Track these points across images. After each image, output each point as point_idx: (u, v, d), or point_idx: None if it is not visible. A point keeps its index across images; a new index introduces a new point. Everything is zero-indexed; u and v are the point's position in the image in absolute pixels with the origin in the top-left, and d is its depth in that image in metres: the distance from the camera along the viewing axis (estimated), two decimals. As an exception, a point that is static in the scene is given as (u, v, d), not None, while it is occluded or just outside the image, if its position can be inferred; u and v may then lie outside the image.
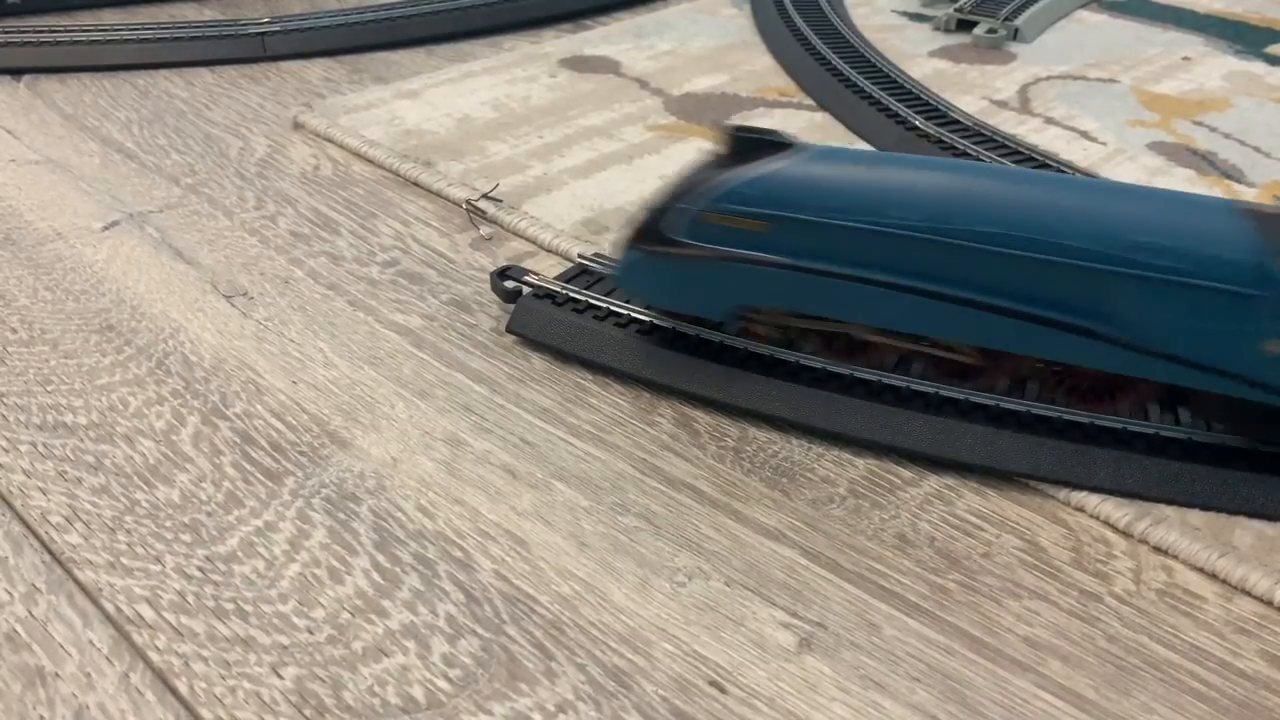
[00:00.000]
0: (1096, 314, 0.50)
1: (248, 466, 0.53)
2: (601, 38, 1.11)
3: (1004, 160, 0.80)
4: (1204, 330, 0.48)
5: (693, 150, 0.85)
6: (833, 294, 0.54)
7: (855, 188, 0.53)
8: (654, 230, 0.56)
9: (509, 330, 0.62)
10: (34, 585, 0.46)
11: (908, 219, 0.51)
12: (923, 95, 0.92)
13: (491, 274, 0.64)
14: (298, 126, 0.89)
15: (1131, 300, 0.49)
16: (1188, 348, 0.49)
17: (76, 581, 0.46)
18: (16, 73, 0.99)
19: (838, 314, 0.55)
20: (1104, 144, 0.87)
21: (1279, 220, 0.49)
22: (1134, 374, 0.51)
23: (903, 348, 0.56)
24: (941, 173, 0.55)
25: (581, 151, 0.85)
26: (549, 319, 0.61)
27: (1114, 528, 0.50)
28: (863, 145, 0.87)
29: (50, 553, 0.48)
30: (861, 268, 0.52)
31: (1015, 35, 1.10)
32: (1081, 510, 0.51)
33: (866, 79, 0.94)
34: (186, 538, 0.48)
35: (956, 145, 0.82)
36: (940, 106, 0.90)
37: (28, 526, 0.49)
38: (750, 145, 0.56)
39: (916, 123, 0.86)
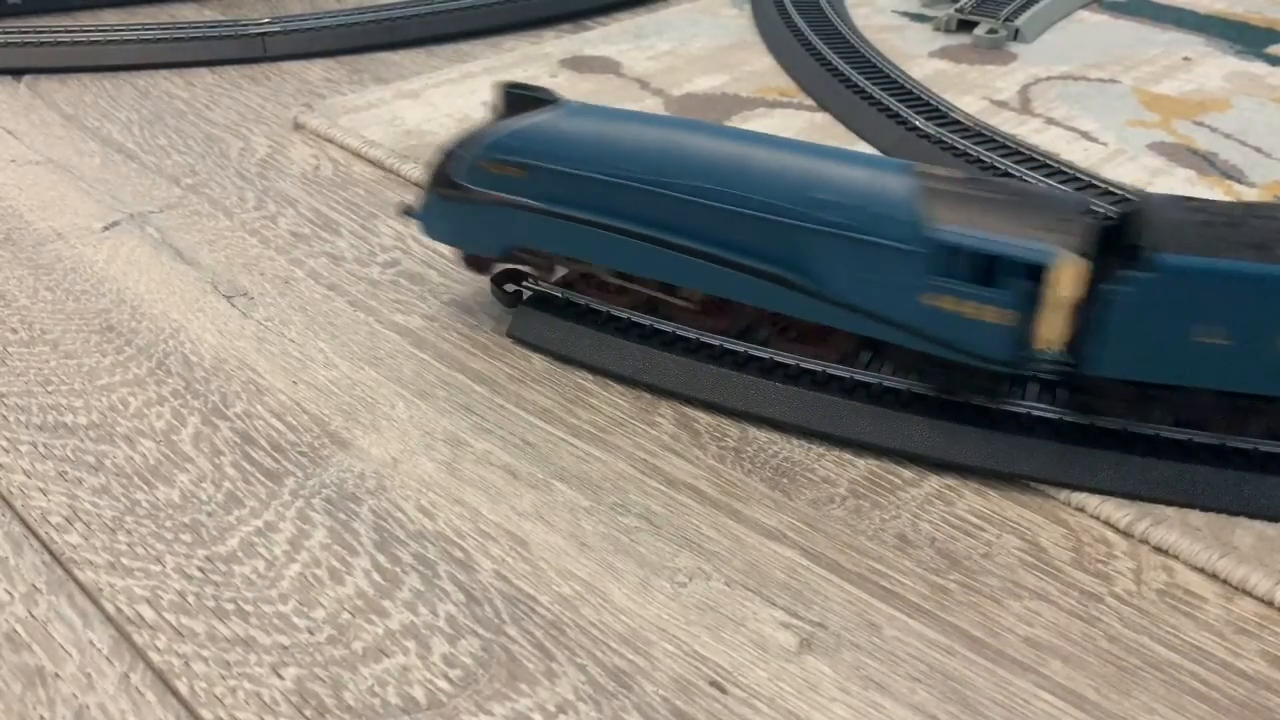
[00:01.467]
0: (790, 265, 0.54)
1: (248, 467, 0.53)
2: (602, 38, 1.11)
3: (1005, 161, 0.80)
4: (874, 282, 0.52)
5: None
6: (577, 237, 0.59)
7: (598, 141, 0.58)
8: (444, 175, 0.61)
9: (510, 336, 0.62)
10: (34, 585, 0.46)
11: (635, 171, 0.56)
12: (923, 95, 0.92)
13: (492, 278, 0.64)
14: (298, 127, 0.89)
15: (816, 253, 0.53)
16: (862, 298, 0.53)
17: (77, 582, 0.46)
18: (17, 73, 0.99)
19: (584, 256, 0.60)
20: (1104, 144, 0.87)
21: (943, 181, 0.53)
22: (826, 323, 0.55)
23: (646, 293, 0.60)
24: (678, 130, 0.59)
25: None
26: (549, 324, 0.61)
27: (1114, 528, 0.50)
28: (863, 146, 0.87)
29: (50, 553, 0.48)
30: (598, 214, 0.58)
31: (1016, 35, 1.10)
32: (1082, 511, 0.51)
33: (867, 79, 0.94)
34: (187, 538, 0.48)
35: (957, 146, 0.82)
36: (941, 107, 0.90)
37: (28, 527, 0.49)
38: (521, 101, 0.61)
39: (917, 123, 0.86)
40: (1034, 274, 0.49)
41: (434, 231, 0.64)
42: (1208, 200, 0.53)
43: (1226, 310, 0.48)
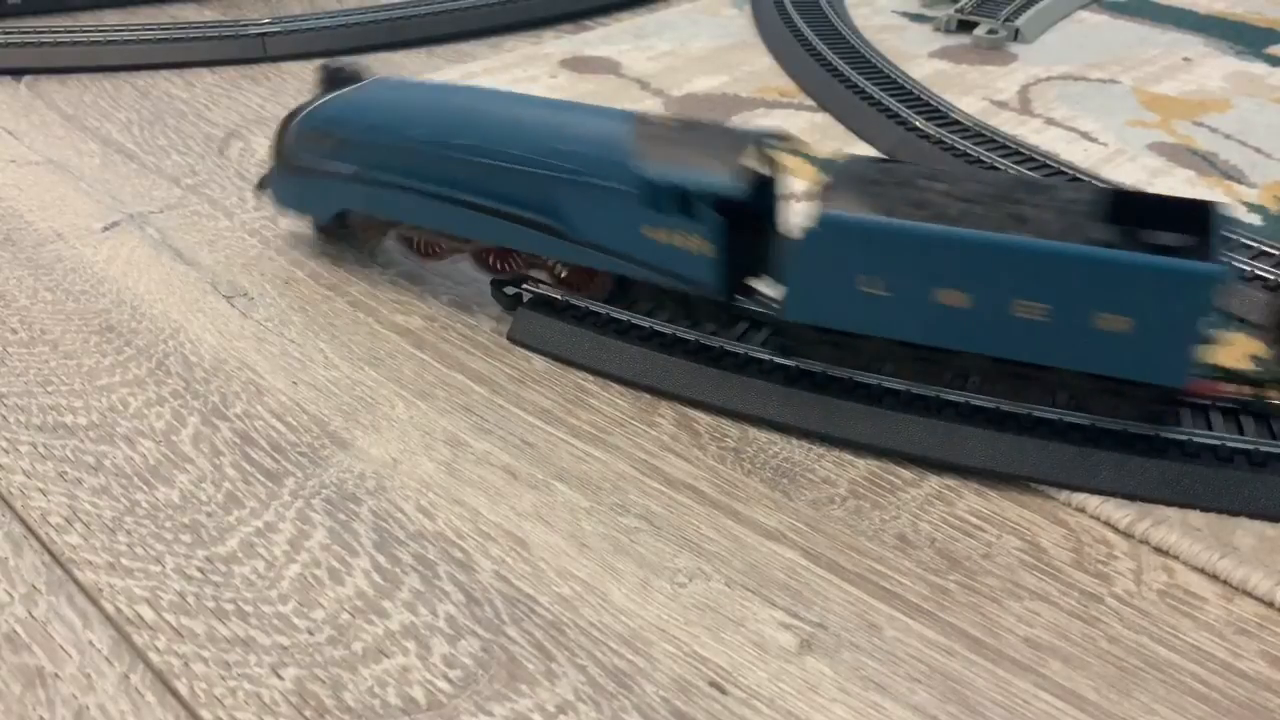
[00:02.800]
0: (546, 211, 0.59)
1: (248, 467, 0.53)
2: (601, 38, 1.11)
3: (1005, 161, 0.80)
4: (608, 221, 0.57)
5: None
6: (384, 199, 0.64)
7: (393, 110, 0.64)
8: (279, 148, 0.67)
9: (510, 339, 0.62)
10: (34, 586, 0.46)
11: (423, 135, 0.61)
12: (923, 96, 0.92)
13: (492, 280, 0.64)
14: (298, 127, 0.89)
15: (562, 198, 0.58)
16: (602, 237, 0.58)
17: (76, 582, 0.46)
18: (17, 73, 0.99)
19: (394, 217, 0.65)
20: (1104, 144, 0.87)
21: (658, 126, 0.58)
22: (582, 263, 0.60)
23: (454, 246, 0.66)
24: (465, 97, 0.66)
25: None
26: (549, 326, 0.61)
27: (1115, 528, 0.50)
28: (863, 146, 0.87)
29: (50, 553, 0.48)
30: (398, 176, 0.63)
31: (1016, 36, 1.10)
32: (1082, 511, 0.51)
33: (867, 79, 0.94)
34: (186, 538, 0.48)
35: (957, 146, 0.82)
36: (941, 107, 0.90)
37: (28, 527, 0.49)
38: (336, 78, 0.68)
39: (917, 123, 0.86)
40: (723, 206, 0.53)
41: (280, 201, 0.70)
42: (898, 163, 0.57)
43: (882, 263, 0.52)
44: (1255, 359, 0.59)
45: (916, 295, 0.52)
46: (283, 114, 0.68)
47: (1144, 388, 0.51)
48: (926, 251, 0.50)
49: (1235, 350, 0.59)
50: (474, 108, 0.63)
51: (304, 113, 0.66)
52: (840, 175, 0.55)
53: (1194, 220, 0.50)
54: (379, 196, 0.64)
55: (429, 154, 0.61)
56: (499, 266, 0.65)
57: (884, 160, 0.58)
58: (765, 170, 0.56)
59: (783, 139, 0.57)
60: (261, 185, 0.71)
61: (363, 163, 0.64)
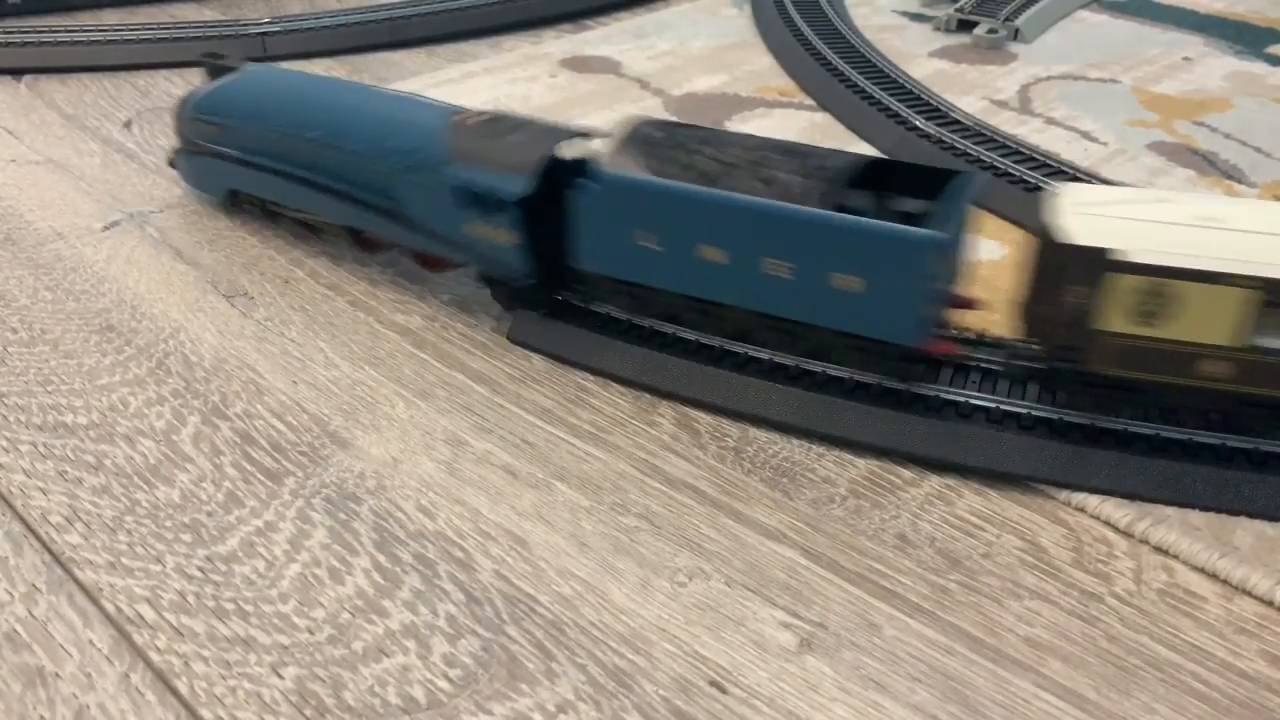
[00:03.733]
0: (390, 199, 0.63)
1: (248, 466, 0.53)
2: (601, 38, 1.11)
3: (1005, 161, 0.80)
4: (435, 213, 0.61)
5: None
6: (260, 181, 0.69)
7: (260, 99, 0.69)
8: (179, 130, 0.74)
9: (510, 339, 0.62)
10: (34, 585, 0.46)
11: (281, 124, 0.67)
12: (923, 95, 0.92)
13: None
14: (298, 126, 0.89)
15: (402, 190, 0.62)
16: (441, 227, 0.61)
17: (77, 581, 0.46)
18: (17, 73, 0.99)
19: (268, 197, 0.70)
20: (1104, 144, 0.87)
21: (468, 125, 0.61)
22: (428, 251, 0.65)
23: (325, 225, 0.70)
24: (325, 89, 0.72)
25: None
26: (549, 326, 0.61)
27: (1115, 528, 0.50)
28: (864, 146, 0.87)
29: (50, 553, 0.48)
30: (266, 159, 0.68)
31: (1016, 35, 1.10)
32: (1082, 511, 0.51)
33: (867, 79, 0.94)
34: (187, 538, 0.48)
35: (957, 146, 0.82)
36: (941, 107, 0.90)
37: (28, 526, 0.49)
38: (218, 68, 0.74)
39: (917, 123, 0.86)
40: (523, 200, 0.57)
41: (185, 179, 0.76)
42: (680, 126, 0.61)
43: (652, 219, 0.55)
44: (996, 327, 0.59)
45: (683, 250, 0.55)
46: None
47: (885, 345, 0.54)
48: (687, 210, 0.54)
49: (984, 316, 0.58)
50: (327, 100, 0.68)
51: (192, 99, 0.72)
52: (627, 137, 0.58)
53: (941, 187, 0.53)
54: (256, 179, 0.69)
55: (289, 142, 0.66)
56: (370, 247, 0.69)
57: (670, 122, 0.61)
58: (570, 158, 0.59)
59: (590, 135, 0.60)
60: (171, 163, 0.76)
61: (239, 147, 0.69)
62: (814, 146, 0.57)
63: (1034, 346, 0.54)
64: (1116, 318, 0.49)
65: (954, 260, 0.54)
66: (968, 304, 0.56)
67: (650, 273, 0.57)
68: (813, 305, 0.54)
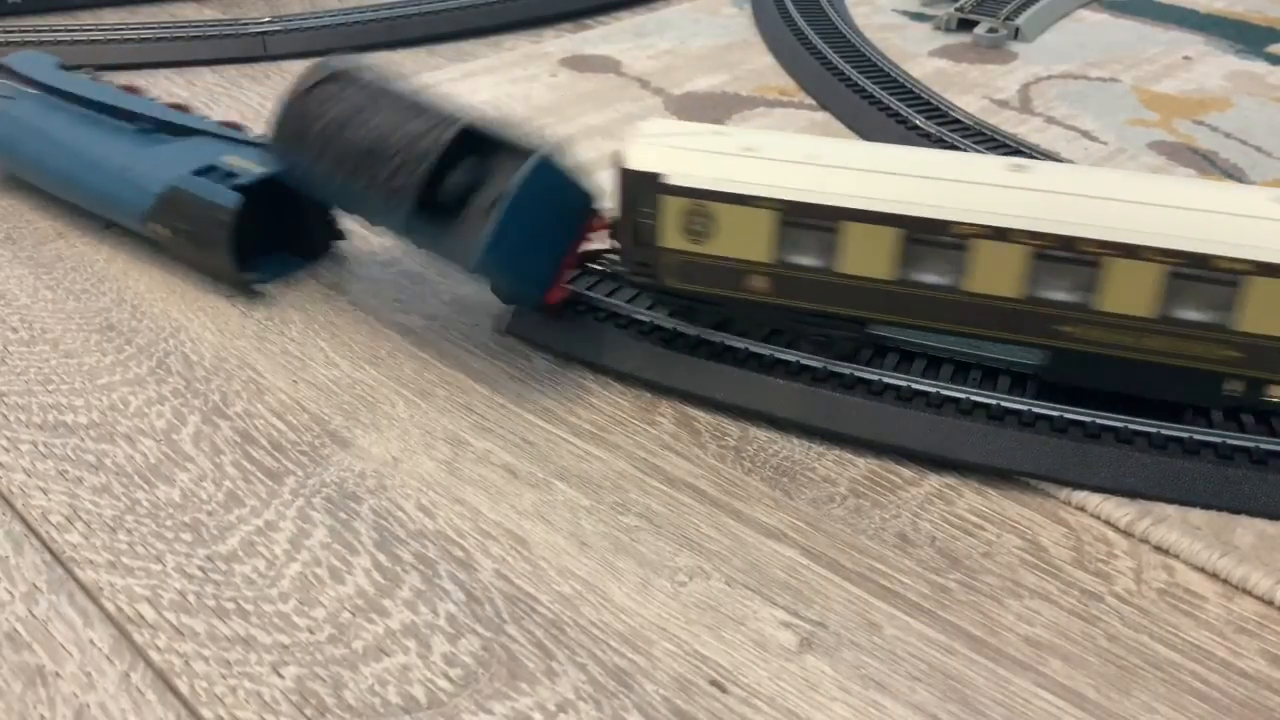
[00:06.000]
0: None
1: (248, 466, 0.53)
2: (602, 37, 1.11)
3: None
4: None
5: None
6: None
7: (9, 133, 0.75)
8: None
9: (508, 331, 0.62)
10: (34, 585, 0.46)
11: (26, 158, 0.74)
12: (923, 94, 0.92)
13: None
14: (298, 126, 0.89)
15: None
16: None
17: (77, 581, 0.46)
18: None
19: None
20: (1105, 143, 0.87)
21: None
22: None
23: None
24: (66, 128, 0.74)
25: (582, 151, 0.84)
26: (548, 321, 0.61)
27: (1115, 527, 0.50)
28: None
29: (51, 552, 0.48)
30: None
31: (1016, 34, 1.10)
32: (1082, 510, 0.51)
33: (867, 78, 0.94)
34: (187, 537, 0.48)
35: (958, 144, 0.82)
36: (941, 106, 0.90)
37: (28, 526, 0.49)
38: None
39: (917, 122, 0.86)
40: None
41: None
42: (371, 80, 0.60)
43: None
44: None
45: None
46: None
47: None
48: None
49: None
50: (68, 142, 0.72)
51: None
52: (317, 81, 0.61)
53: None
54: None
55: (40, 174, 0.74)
56: None
57: (365, 73, 0.62)
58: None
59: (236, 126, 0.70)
60: None
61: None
62: (444, 108, 0.58)
63: (621, 266, 0.58)
64: (673, 236, 0.54)
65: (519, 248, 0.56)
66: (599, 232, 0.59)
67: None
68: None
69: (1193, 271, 0.47)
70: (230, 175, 0.64)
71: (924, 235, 0.50)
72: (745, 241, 0.53)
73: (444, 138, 0.55)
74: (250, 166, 0.65)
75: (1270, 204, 0.48)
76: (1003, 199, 0.49)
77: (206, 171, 0.65)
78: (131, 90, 0.80)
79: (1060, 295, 0.49)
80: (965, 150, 0.81)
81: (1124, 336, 0.49)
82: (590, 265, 0.63)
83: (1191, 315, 0.48)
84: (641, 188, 0.53)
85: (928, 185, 0.50)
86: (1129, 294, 0.48)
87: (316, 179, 0.60)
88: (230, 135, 0.71)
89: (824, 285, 0.53)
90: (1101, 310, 0.49)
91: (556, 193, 0.56)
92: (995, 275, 0.50)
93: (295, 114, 0.60)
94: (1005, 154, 0.81)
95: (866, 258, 0.51)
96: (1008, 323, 0.51)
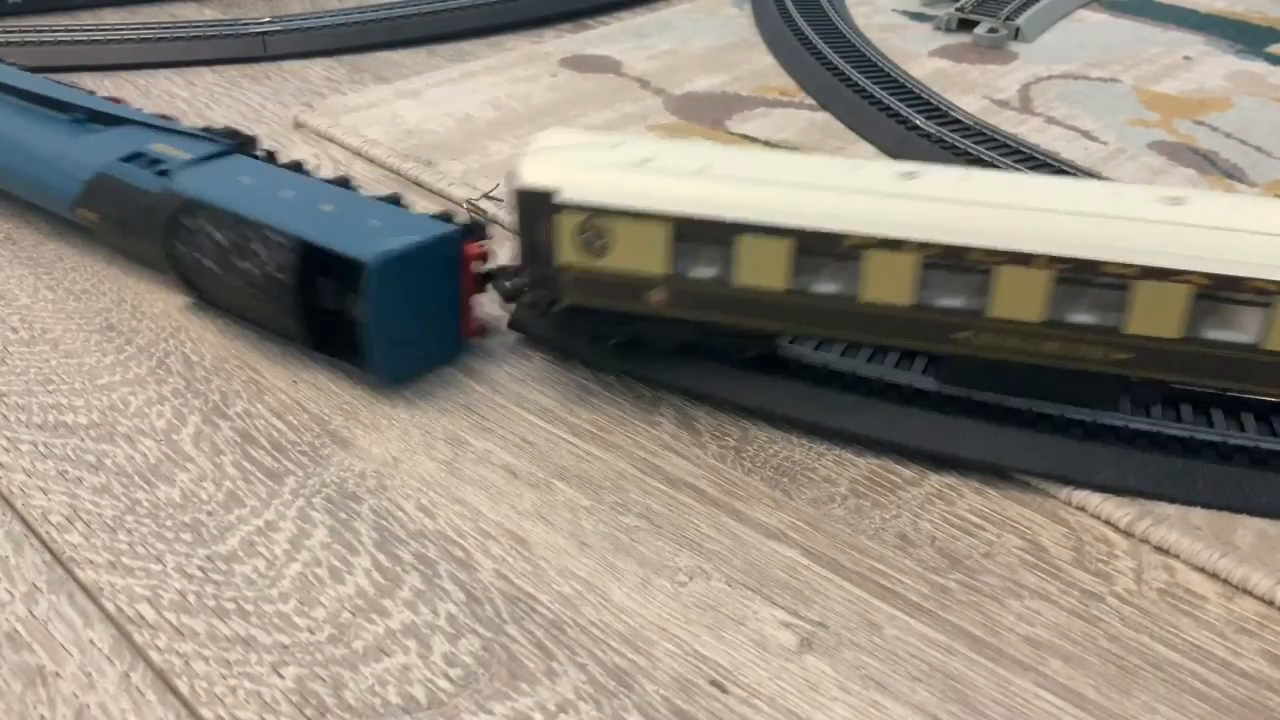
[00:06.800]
0: None
1: (248, 466, 0.53)
2: (602, 37, 1.11)
3: (1005, 160, 0.80)
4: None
5: (693, 150, 0.85)
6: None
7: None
8: None
9: (510, 327, 0.62)
10: (34, 585, 0.46)
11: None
12: (924, 95, 0.92)
13: (493, 273, 0.64)
14: (299, 126, 0.89)
15: None
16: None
17: (77, 581, 0.46)
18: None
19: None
20: (1105, 143, 0.87)
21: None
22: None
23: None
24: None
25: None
26: (551, 317, 0.61)
27: (1115, 527, 0.50)
28: (864, 145, 0.87)
29: (51, 552, 0.48)
30: None
31: (1016, 35, 1.10)
32: (1083, 510, 0.51)
33: (867, 78, 0.94)
34: (187, 537, 0.48)
35: (958, 145, 0.82)
36: (941, 106, 0.90)
37: (28, 526, 0.49)
38: None
39: (918, 122, 0.86)
40: None
41: None
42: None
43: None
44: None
45: None
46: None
47: None
48: None
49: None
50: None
51: None
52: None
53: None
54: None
55: None
56: None
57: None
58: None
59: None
60: None
61: None
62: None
63: (525, 282, 0.57)
64: (570, 252, 0.52)
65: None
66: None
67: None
68: None
69: (1081, 276, 0.47)
70: (156, 162, 0.65)
71: (815, 246, 0.49)
72: (642, 255, 0.51)
73: (283, 277, 0.56)
74: (179, 154, 0.65)
75: (1159, 205, 0.47)
76: (892, 208, 0.49)
77: (133, 158, 0.66)
78: (72, 84, 0.80)
79: (952, 302, 0.49)
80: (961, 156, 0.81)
81: (1017, 342, 0.49)
82: (490, 284, 0.61)
83: (1082, 319, 0.48)
84: (536, 205, 0.52)
85: (819, 196, 0.49)
86: (1019, 300, 0.48)
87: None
88: (161, 125, 0.71)
89: (721, 297, 0.52)
90: (994, 317, 0.49)
91: (412, 268, 0.55)
92: (888, 285, 0.49)
93: (176, 267, 0.62)
94: (1004, 154, 0.81)
95: (761, 270, 0.50)
96: (904, 330, 0.50)
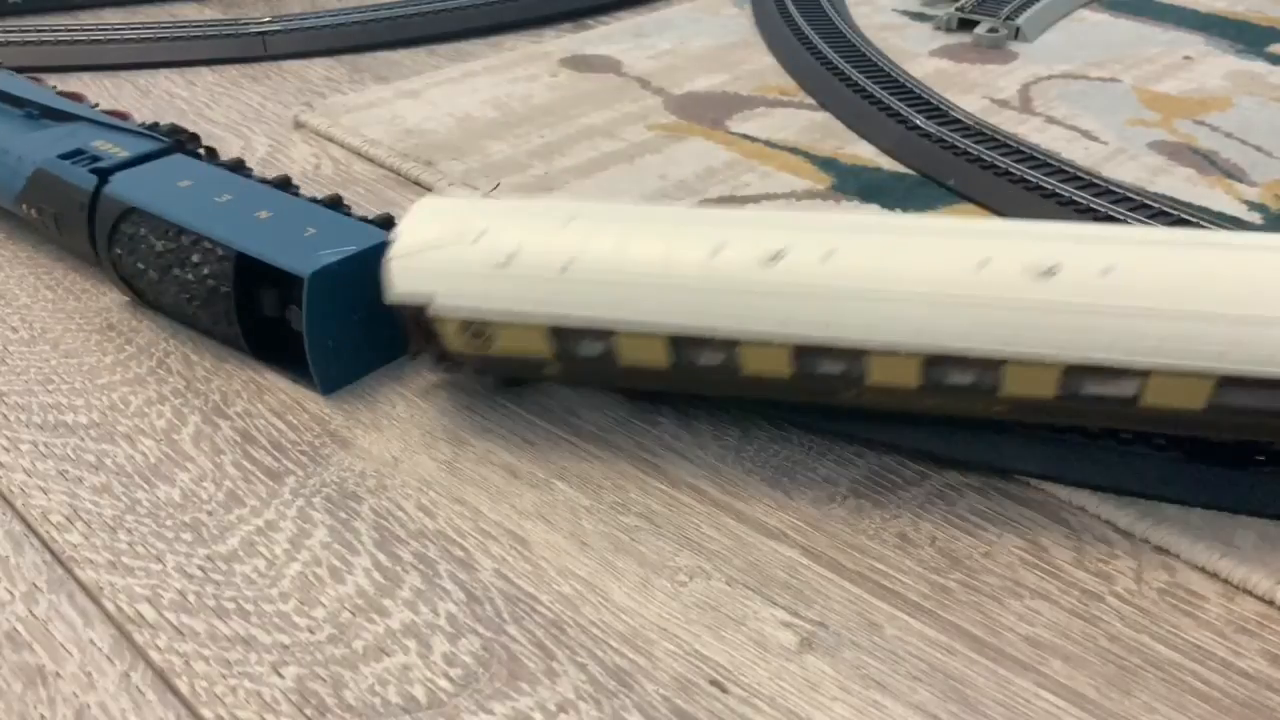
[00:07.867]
0: None
1: (248, 465, 0.53)
2: (602, 37, 1.11)
3: (1005, 160, 0.80)
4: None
5: (693, 149, 0.85)
6: None
7: None
8: None
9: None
10: (35, 584, 0.46)
11: None
12: (924, 94, 0.92)
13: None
14: (299, 126, 0.89)
15: None
16: None
17: (77, 581, 0.46)
18: (18, 72, 0.99)
19: None
20: (1105, 143, 0.87)
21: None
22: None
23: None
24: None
25: (583, 151, 0.85)
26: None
27: (1115, 527, 0.50)
28: (864, 145, 0.86)
29: (51, 552, 0.48)
30: None
31: (1017, 34, 1.10)
32: (1083, 510, 0.51)
33: (867, 78, 0.94)
34: (187, 537, 0.48)
35: (958, 145, 0.82)
36: (941, 106, 0.90)
37: (28, 526, 0.49)
38: None
39: (918, 122, 0.86)
40: None
41: None
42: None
43: None
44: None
45: None
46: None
47: None
48: None
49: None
50: None
51: None
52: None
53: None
54: None
55: None
56: None
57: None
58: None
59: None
60: None
61: None
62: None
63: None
64: (459, 342, 0.53)
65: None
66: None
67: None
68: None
69: (949, 360, 0.47)
70: (95, 159, 0.65)
71: (688, 338, 0.49)
72: (526, 344, 0.52)
73: (220, 285, 0.56)
74: (117, 151, 0.65)
75: (1029, 281, 0.45)
76: (756, 305, 0.48)
77: (72, 155, 0.66)
78: (35, 80, 0.80)
79: (832, 369, 0.49)
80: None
81: (899, 400, 0.49)
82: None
83: (958, 381, 0.47)
84: (416, 311, 0.52)
85: (684, 295, 0.49)
86: (894, 373, 0.48)
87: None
88: (110, 123, 0.71)
89: (611, 371, 0.52)
90: (871, 385, 0.48)
91: (349, 278, 0.55)
92: (765, 363, 0.49)
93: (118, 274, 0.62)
94: (1004, 154, 0.81)
95: (642, 354, 0.51)
96: (789, 390, 0.50)
